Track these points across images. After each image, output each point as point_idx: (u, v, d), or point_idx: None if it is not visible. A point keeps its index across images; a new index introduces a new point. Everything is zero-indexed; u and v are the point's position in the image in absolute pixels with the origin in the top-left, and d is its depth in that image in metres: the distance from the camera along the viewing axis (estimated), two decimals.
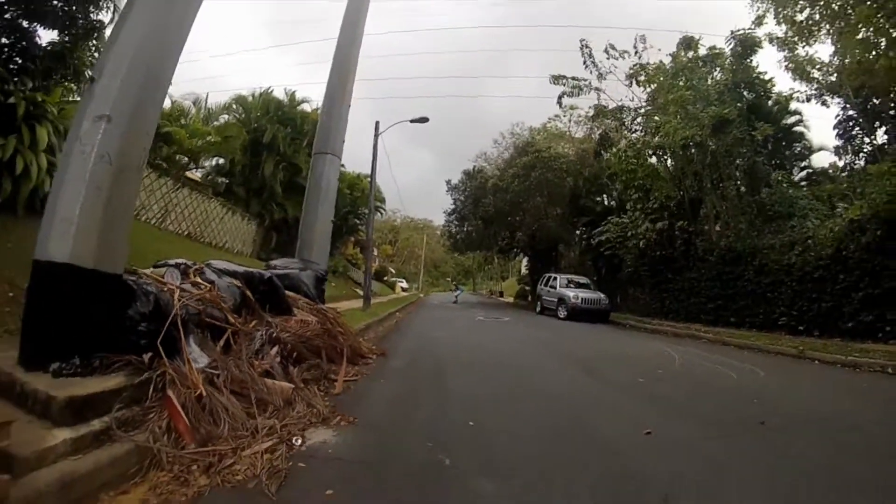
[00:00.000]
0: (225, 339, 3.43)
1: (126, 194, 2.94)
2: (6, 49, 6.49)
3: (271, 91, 18.70)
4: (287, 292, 5.10)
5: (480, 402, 4.30)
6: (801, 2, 11.97)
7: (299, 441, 2.83)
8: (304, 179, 17.74)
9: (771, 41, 14.02)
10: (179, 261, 3.94)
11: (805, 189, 17.01)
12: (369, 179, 22.99)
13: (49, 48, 6.70)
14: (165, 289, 3.15)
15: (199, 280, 3.69)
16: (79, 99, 8.73)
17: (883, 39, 10.17)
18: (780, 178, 14.88)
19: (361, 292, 17.72)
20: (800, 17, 12.12)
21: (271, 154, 16.75)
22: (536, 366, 6.71)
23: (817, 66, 13.61)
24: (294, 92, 19.57)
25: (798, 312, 11.15)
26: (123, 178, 2.86)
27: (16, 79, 6.34)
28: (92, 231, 2.70)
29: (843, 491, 2.63)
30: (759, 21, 13.80)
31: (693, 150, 13.89)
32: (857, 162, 16.68)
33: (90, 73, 3.00)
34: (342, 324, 5.53)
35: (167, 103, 14.48)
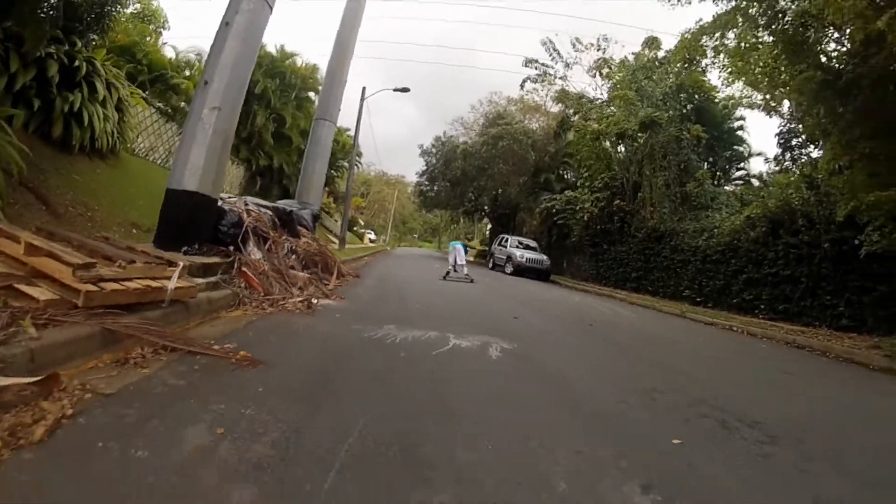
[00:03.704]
0: (267, 246, 5.62)
1: (226, 154, 5.04)
2: (54, 10, 7.22)
3: (264, 46, 19.81)
4: None
5: (426, 300, 6.86)
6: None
7: (316, 301, 5.12)
8: (290, 130, 19.44)
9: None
10: (233, 196, 6.03)
11: (728, 187, 19.55)
12: (349, 134, 24.60)
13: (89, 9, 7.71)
14: (239, 210, 5.29)
15: (249, 208, 5.82)
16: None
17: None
18: (701, 175, 17.22)
19: (333, 238, 19.81)
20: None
21: (262, 105, 18.13)
22: (469, 292, 9.24)
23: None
24: (283, 46, 20.77)
25: (699, 286, 13.53)
26: (225, 145, 4.96)
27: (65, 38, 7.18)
28: (210, 173, 4.80)
29: (611, 349, 5.11)
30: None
31: (630, 142, 15.99)
32: (794, 170, 19.02)
33: (205, 78, 4.93)
34: (330, 250, 7.79)
35: (172, 54, 15.62)
